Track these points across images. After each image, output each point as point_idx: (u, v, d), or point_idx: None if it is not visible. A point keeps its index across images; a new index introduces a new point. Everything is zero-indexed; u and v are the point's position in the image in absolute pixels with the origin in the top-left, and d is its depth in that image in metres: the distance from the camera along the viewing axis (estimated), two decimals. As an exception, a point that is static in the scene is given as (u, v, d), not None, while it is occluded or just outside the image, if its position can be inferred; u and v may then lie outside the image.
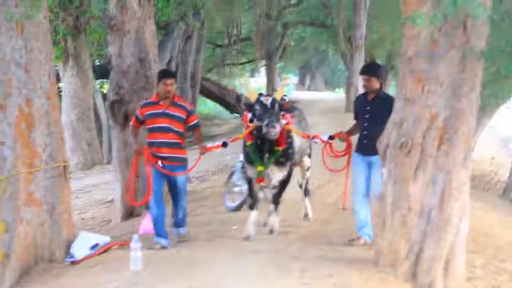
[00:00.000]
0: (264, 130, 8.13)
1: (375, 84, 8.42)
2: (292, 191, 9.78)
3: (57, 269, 7.89)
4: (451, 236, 6.66)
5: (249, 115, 8.65)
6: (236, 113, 24.23)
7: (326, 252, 7.87)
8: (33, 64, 8.20)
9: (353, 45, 27.66)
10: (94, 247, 8.53)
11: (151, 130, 8.66)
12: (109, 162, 20.54)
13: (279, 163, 8.75)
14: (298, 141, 9.15)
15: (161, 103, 8.60)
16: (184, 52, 27.35)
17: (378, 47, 29.71)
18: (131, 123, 9.15)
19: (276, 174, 8.83)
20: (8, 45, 8.07)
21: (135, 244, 7.32)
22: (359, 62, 26.94)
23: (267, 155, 8.60)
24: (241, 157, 10.81)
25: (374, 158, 8.05)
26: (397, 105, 7.04)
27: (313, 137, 9.16)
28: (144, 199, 8.81)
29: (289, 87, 54.32)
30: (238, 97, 13.33)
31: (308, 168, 10.31)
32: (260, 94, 8.85)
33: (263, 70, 46.93)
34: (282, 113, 8.64)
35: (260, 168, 8.61)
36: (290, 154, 8.88)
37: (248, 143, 8.73)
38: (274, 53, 36.26)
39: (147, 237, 8.51)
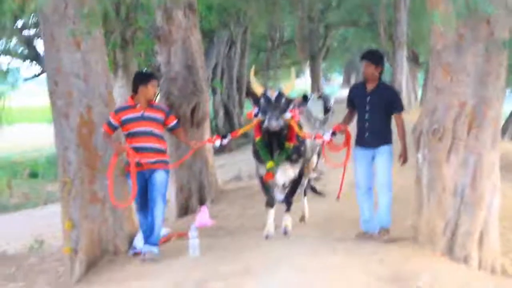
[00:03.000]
0: (266, 123, 8.00)
1: (375, 72, 8.17)
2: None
3: (121, 260, 8.42)
4: (483, 212, 7.23)
5: (255, 110, 8.41)
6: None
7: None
8: (91, 75, 8.75)
9: (395, 43, 27.91)
10: (155, 239, 9.20)
11: (131, 135, 8.18)
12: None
13: (291, 160, 8.50)
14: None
15: (138, 106, 8.19)
16: (229, 57, 27.93)
17: (420, 43, 29.90)
18: (102, 129, 8.40)
19: (288, 172, 8.58)
20: (68, 59, 8.68)
21: (192, 232, 7.98)
22: (402, 59, 27.30)
23: (278, 151, 8.38)
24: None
25: (377, 150, 8.12)
26: (429, 95, 7.70)
27: (315, 138, 8.63)
28: (128, 201, 8.37)
29: (333, 87, 54.59)
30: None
31: (314, 168, 10.17)
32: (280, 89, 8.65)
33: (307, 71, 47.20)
34: (290, 107, 8.34)
35: (270, 164, 8.39)
36: (302, 151, 8.65)
37: (257, 139, 8.53)
38: (317, 54, 36.68)
39: (203, 229, 9.03)
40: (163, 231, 9.45)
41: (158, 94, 13.01)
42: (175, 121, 8.49)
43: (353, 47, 42.93)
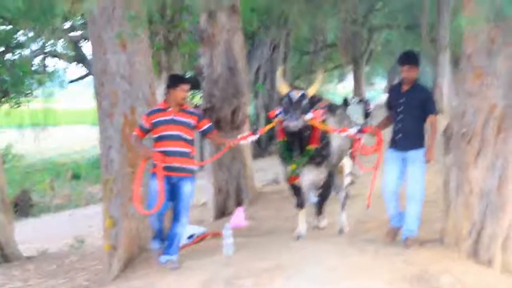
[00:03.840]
0: (284, 123, 8.00)
1: (416, 74, 8.06)
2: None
3: (157, 257, 8.41)
4: (509, 216, 7.35)
5: (278, 110, 8.41)
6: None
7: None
8: (136, 76, 9.08)
9: (437, 46, 27.77)
10: (190, 237, 9.51)
11: (160, 139, 7.96)
12: (201, 169, 21.57)
13: (315, 163, 8.45)
14: (337, 141, 8.80)
15: (169, 109, 7.97)
16: (272, 60, 28.12)
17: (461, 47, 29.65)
18: (133, 133, 8.24)
19: (312, 174, 8.54)
20: (114, 60, 9.02)
21: (226, 231, 8.24)
22: (444, 62, 27.21)
23: (299, 154, 8.36)
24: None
25: (409, 154, 7.98)
26: (459, 98, 7.84)
27: (341, 131, 8.51)
28: (154, 208, 7.80)
29: (376, 91, 54.44)
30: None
31: (347, 174, 9.79)
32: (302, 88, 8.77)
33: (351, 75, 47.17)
34: (314, 108, 8.30)
35: (292, 166, 8.43)
36: (326, 154, 8.56)
37: (279, 140, 8.59)
38: (360, 58, 36.73)
39: (238, 230, 9.26)
40: (199, 230, 9.75)
41: (192, 96, 13.10)
42: (208, 125, 8.27)
43: (396, 50, 42.74)
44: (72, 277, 10.35)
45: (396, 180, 8.10)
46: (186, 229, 9.44)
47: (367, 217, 9.74)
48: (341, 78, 51.63)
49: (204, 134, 8.38)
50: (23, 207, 21.27)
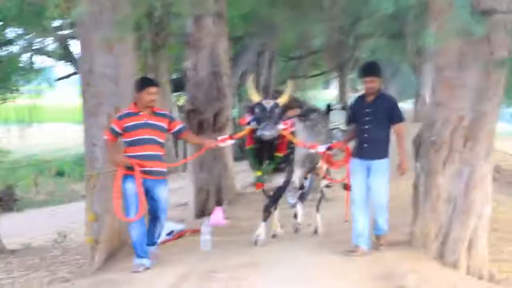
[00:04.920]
0: (258, 132, 8.04)
1: (379, 85, 8.11)
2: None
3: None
4: (474, 220, 7.75)
5: (249, 118, 8.48)
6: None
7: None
8: (122, 77, 9.33)
9: (421, 56, 28.06)
10: (170, 233, 9.89)
11: (133, 143, 7.87)
12: (184, 170, 21.87)
13: (279, 169, 8.59)
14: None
15: (141, 113, 7.90)
16: (257, 65, 28.41)
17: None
18: (105, 137, 8.20)
19: (274, 180, 8.68)
20: (100, 61, 9.31)
21: (205, 228, 8.59)
22: (428, 72, 27.56)
23: (267, 161, 8.47)
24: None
25: (374, 163, 8.03)
26: (430, 108, 8.25)
27: (309, 147, 8.64)
28: (136, 216, 7.81)
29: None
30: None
31: (324, 177, 10.04)
32: (275, 96, 8.70)
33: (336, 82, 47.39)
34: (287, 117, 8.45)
35: (258, 173, 8.52)
36: (291, 160, 8.70)
37: (248, 147, 8.64)
38: (345, 65, 37.05)
39: (216, 228, 9.56)
40: (178, 227, 10.07)
41: (178, 98, 13.22)
42: (180, 125, 8.28)
43: (381, 58, 42.96)
44: (55, 270, 10.64)
45: (362, 190, 8.12)
46: (166, 226, 9.76)
47: (339, 219, 10.06)
48: (326, 84, 51.96)
49: (176, 135, 8.39)
50: (7, 202, 21.45)
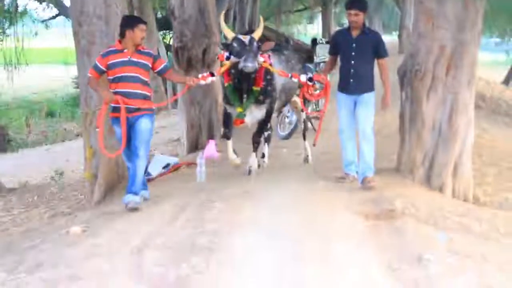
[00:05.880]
0: (241, 64, 8.10)
1: (363, 19, 8.15)
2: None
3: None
4: (458, 146, 8.18)
5: (226, 54, 8.49)
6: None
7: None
8: (112, 17, 9.53)
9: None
10: (166, 166, 10.26)
11: (117, 80, 7.78)
12: (173, 107, 22.16)
13: (258, 102, 8.71)
14: (281, 80, 9.02)
15: (125, 51, 7.80)
16: (241, 1, 28.47)
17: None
18: (89, 75, 8.04)
19: (255, 113, 8.82)
20: (91, 2, 9.53)
21: (200, 160, 8.92)
22: (411, 4, 27.69)
23: (245, 95, 8.61)
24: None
25: (360, 97, 8.18)
26: (412, 40, 8.59)
27: (292, 76, 8.78)
28: (118, 151, 7.99)
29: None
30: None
31: (302, 109, 10.34)
32: (247, 32, 8.83)
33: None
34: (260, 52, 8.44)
35: (239, 109, 8.64)
36: (269, 91, 8.79)
37: (226, 84, 8.72)
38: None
39: (210, 161, 9.82)
40: (173, 160, 10.39)
41: (164, 36, 13.20)
42: (163, 64, 8.10)
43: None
44: (54, 206, 10.92)
45: (350, 121, 8.30)
46: (162, 159, 10.11)
47: (329, 149, 10.35)
48: (310, 20, 51.92)
49: (160, 74, 8.23)
50: (0, 142, 21.63)
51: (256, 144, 9.17)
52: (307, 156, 10.23)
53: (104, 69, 7.83)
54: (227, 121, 9.01)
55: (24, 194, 12.56)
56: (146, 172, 9.75)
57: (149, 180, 9.71)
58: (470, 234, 6.48)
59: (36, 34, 27.03)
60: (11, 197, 12.37)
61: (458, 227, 6.65)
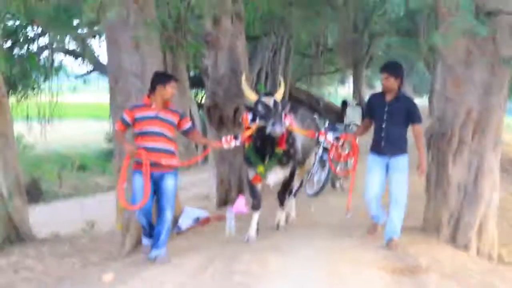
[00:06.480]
0: (269, 129, 8.04)
1: (394, 84, 8.09)
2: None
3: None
4: (483, 207, 8.38)
5: (250, 116, 8.50)
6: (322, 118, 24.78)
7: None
8: (148, 75, 9.49)
9: (435, 53, 28.20)
10: (196, 220, 10.44)
11: (142, 134, 7.88)
12: (202, 163, 22.38)
13: (281, 164, 8.69)
14: (301, 141, 9.16)
15: (153, 106, 7.90)
16: (274, 62, 28.80)
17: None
18: (116, 128, 8.29)
19: (279, 174, 8.79)
20: (127, 60, 9.89)
21: (230, 214, 9.13)
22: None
23: (268, 156, 8.56)
24: (319, 151, 12.47)
25: (392, 160, 8.16)
26: (439, 103, 8.81)
27: (319, 134, 9.00)
28: (139, 204, 7.77)
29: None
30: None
31: (307, 171, 10.57)
32: (267, 94, 8.63)
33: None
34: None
35: (260, 168, 8.62)
36: (292, 154, 8.79)
37: (247, 145, 8.66)
38: (360, 62, 37.30)
39: (239, 216, 10.00)
40: (204, 213, 10.60)
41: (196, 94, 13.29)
42: (188, 124, 8.22)
43: (396, 55, 43.04)
44: (85, 257, 11.09)
45: (380, 183, 8.27)
46: (192, 212, 10.31)
47: (354, 207, 10.54)
48: (341, 81, 52.17)
49: (184, 133, 8.24)
50: (33, 194, 21.78)
51: (282, 200, 9.24)
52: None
53: (130, 122, 7.91)
54: (254, 192, 8.97)
55: (55, 245, 12.70)
56: (177, 225, 10.01)
57: (179, 232, 9.93)
58: (493, 292, 6.66)
59: (75, 89, 27.59)
60: (43, 247, 12.53)
61: (481, 285, 6.81)
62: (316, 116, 11.51)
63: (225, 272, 6.82)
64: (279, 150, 8.54)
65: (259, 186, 8.92)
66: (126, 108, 8.30)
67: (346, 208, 8.87)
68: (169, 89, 7.93)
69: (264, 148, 8.53)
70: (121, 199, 7.95)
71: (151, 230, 8.09)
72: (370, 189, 8.32)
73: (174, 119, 7.98)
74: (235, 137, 8.37)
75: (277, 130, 8.01)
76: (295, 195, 10.30)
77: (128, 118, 7.91)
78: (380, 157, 8.24)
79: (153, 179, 7.81)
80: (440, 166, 8.58)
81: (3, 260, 11.53)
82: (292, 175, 9.06)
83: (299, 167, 9.48)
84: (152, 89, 7.98)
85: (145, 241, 8.28)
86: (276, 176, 8.80)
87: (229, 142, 8.33)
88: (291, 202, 10.18)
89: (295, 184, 10.04)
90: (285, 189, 9.20)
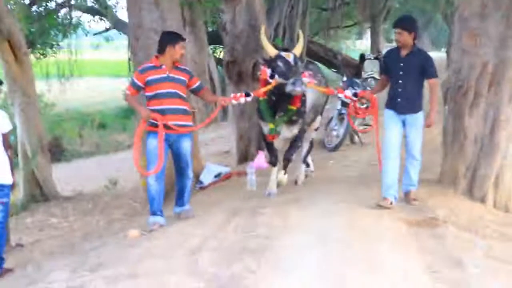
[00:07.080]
0: (290, 88, 7.95)
1: (407, 38, 7.91)
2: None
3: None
4: (499, 159, 8.44)
5: (269, 71, 8.26)
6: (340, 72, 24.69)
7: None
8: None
9: (453, 6, 28.06)
10: (217, 175, 10.67)
11: (155, 97, 7.79)
12: (222, 120, 22.49)
13: (291, 121, 8.63)
14: (312, 99, 9.13)
15: (163, 67, 7.82)
16: (291, 16, 28.70)
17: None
18: (126, 92, 8.16)
19: (287, 132, 8.75)
20: (148, 17, 10.02)
21: (250, 169, 9.30)
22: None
23: (281, 113, 8.50)
24: (338, 106, 12.61)
25: (408, 117, 8.01)
26: (455, 56, 8.88)
27: (338, 92, 8.84)
28: (154, 169, 7.74)
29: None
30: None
31: (316, 129, 10.38)
32: (285, 49, 8.58)
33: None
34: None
35: (271, 125, 8.57)
36: (302, 112, 8.72)
37: (261, 99, 8.57)
38: (378, 15, 37.11)
39: (259, 171, 10.13)
40: (225, 169, 10.77)
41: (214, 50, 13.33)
42: (198, 83, 8.16)
43: (414, 9, 42.76)
44: (109, 213, 11.33)
45: (397, 138, 8.06)
46: (214, 168, 10.48)
47: (375, 161, 10.62)
48: (359, 35, 51.94)
49: (194, 92, 8.26)
50: (55, 152, 21.88)
51: (286, 162, 9.11)
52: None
53: (142, 85, 7.85)
54: (270, 148, 9.04)
55: (79, 202, 12.98)
56: (199, 181, 10.18)
57: (201, 188, 10.12)
58: (509, 241, 6.77)
59: (97, 46, 27.50)
60: (67, 205, 12.79)
61: (497, 235, 6.95)
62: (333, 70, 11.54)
63: (247, 226, 6.99)
64: (292, 107, 8.51)
65: (275, 142, 8.96)
66: (136, 71, 8.26)
67: (378, 162, 8.50)
68: (178, 49, 7.88)
69: (278, 104, 8.49)
70: (137, 164, 7.97)
71: (159, 204, 7.97)
72: (389, 143, 8.08)
73: (185, 78, 7.97)
74: (247, 94, 8.30)
75: (298, 89, 7.97)
76: (304, 161, 10.16)
77: (139, 82, 7.84)
78: (396, 114, 8.09)
79: (169, 141, 7.86)
80: (456, 118, 8.67)
81: (28, 218, 11.81)
82: (301, 134, 9.05)
83: (307, 125, 9.49)
84: (162, 49, 7.91)
85: (151, 219, 7.94)
86: (284, 133, 8.79)
87: (238, 98, 8.30)
88: (305, 165, 10.14)
89: (305, 145, 10.00)
90: (292, 149, 9.10)
